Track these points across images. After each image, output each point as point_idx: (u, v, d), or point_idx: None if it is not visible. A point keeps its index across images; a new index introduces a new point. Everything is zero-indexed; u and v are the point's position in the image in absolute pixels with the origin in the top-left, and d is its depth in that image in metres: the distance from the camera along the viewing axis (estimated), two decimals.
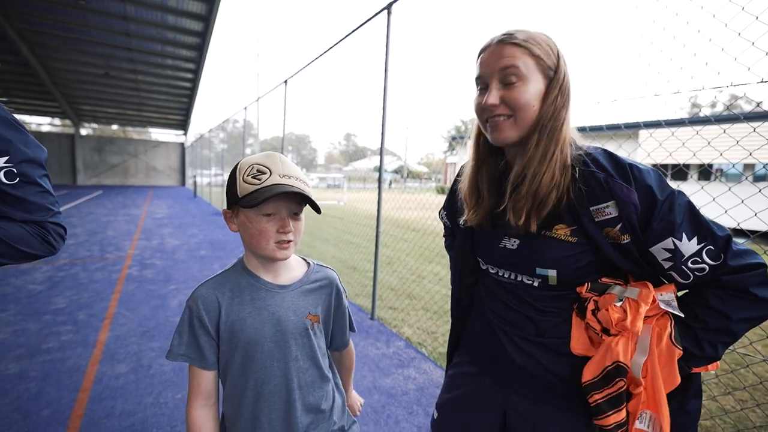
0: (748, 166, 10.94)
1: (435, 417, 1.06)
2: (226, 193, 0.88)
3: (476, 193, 0.91)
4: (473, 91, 0.86)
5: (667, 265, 0.73)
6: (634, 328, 0.72)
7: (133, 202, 14.25)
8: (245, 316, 0.86)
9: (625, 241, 0.74)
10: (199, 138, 19.79)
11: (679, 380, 0.73)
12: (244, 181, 0.81)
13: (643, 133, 10.54)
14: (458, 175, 1.04)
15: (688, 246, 0.70)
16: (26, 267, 4.87)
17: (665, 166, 12.04)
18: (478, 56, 0.82)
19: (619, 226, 0.73)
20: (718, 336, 0.72)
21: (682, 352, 0.73)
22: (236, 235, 7.84)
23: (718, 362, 0.75)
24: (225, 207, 0.90)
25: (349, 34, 3.82)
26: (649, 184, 0.72)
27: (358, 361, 2.79)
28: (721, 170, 12.09)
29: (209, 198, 15.69)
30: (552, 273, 0.79)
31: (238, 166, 0.85)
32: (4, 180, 0.89)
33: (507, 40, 0.77)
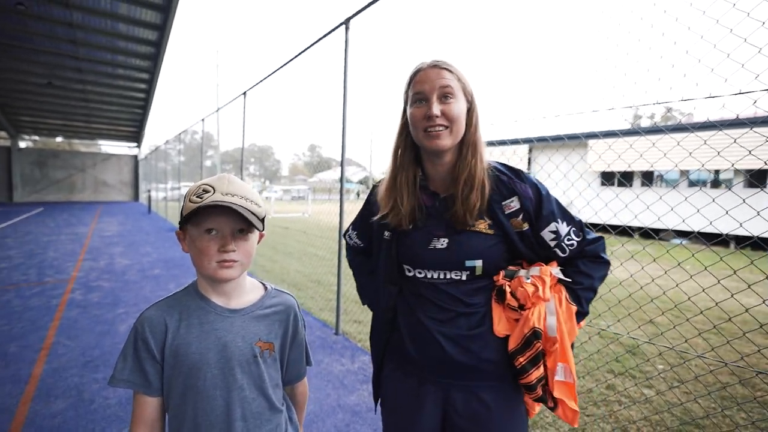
0: (684, 173, 11.89)
1: None
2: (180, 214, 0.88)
3: (394, 196, 1.01)
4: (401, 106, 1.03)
5: (553, 243, 0.96)
6: (545, 296, 0.93)
7: (79, 220, 13.28)
8: (191, 340, 0.83)
9: (526, 228, 0.95)
10: (155, 150, 18.88)
11: (577, 332, 0.97)
12: (189, 200, 0.81)
13: (589, 145, 11.20)
14: (371, 195, 1.15)
15: (563, 228, 0.96)
16: None
17: (612, 173, 12.85)
18: (414, 76, 0.97)
19: (520, 216, 0.95)
20: (587, 293, 0.98)
21: (576, 308, 0.96)
22: None
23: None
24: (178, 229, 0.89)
25: (308, 48, 3.81)
26: (534, 182, 0.97)
27: (321, 379, 2.72)
28: (661, 177, 13.08)
29: (165, 213, 14.91)
30: (479, 263, 0.95)
31: (189, 189, 0.85)
32: None
33: (442, 65, 0.94)
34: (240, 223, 0.83)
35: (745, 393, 2.60)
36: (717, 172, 11.52)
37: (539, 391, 0.94)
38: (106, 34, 10.71)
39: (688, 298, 2.22)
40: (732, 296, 1.86)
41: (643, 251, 2.42)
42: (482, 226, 0.95)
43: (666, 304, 4.10)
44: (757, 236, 1.87)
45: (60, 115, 18.92)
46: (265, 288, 0.96)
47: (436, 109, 0.91)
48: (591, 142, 11.30)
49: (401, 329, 1.04)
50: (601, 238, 1.01)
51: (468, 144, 0.96)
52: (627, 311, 3.07)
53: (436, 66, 0.94)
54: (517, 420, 0.98)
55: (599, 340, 3.53)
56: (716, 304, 1.95)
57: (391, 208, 1.01)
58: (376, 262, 1.11)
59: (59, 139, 25.11)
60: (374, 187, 1.15)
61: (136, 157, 26.47)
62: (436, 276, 0.98)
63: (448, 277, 0.97)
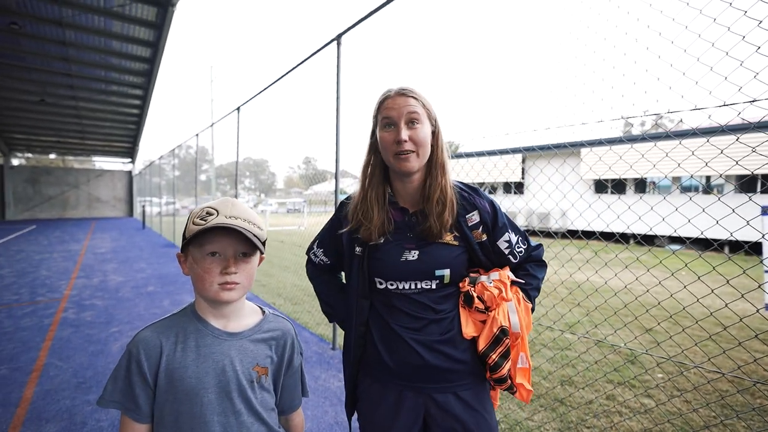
0: (677, 180, 12.03)
1: None
2: (182, 237, 0.88)
3: (364, 210, 1.07)
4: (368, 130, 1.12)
5: (507, 251, 1.10)
6: (508, 296, 1.03)
7: (72, 237, 13.14)
8: (188, 363, 0.81)
9: (484, 239, 1.07)
10: (149, 165, 18.82)
11: (531, 325, 1.10)
12: (193, 223, 0.82)
13: (582, 154, 11.33)
14: (339, 212, 1.19)
15: (514, 238, 1.10)
16: None
17: (605, 180, 12.99)
18: (383, 102, 1.04)
19: (480, 228, 1.07)
20: (535, 292, 1.13)
21: (531, 305, 1.09)
22: None
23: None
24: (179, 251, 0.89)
25: (300, 63, 3.85)
26: (490, 199, 1.11)
27: (319, 396, 2.68)
28: (654, 183, 13.24)
29: (159, 229, 14.81)
30: (447, 272, 1.04)
31: (192, 211, 0.86)
32: None
33: (408, 93, 1.02)
34: (243, 246, 0.84)
35: (744, 401, 2.60)
36: (708, 178, 11.68)
37: (508, 382, 1.04)
38: (99, 51, 10.77)
39: (683, 308, 2.23)
40: (726, 305, 1.87)
41: (637, 261, 2.44)
42: (449, 238, 1.05)
43: (662, 312, 4.11)
44: (748, 245, 1.90)
45: (53, 132, 18.86)
46: (263, 312, 0.96)
47: (404, 134, 0.99)
48: (583, 151, 11.44)
49: (376, 342, 1.08)
50: (541, 245, 1.19)
51: (436, 165, 1.05)
52: (623, 321, 3.07)
53: (402, 94, 1.01)
54: (490, 411, 1.09)
55: (597, 350, 3.52)
56: (711, 314, 1.96)
57: (361, 222, 1.07)
58: (349, 279, 1.14)
59: (52, 156, 24.99)
60: (342, 204, 1.19)
61: (130, 172, 26.36)
62: (407, 287, 1.05)
63: (419, 287, 1.04)
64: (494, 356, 1.01)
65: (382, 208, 1.07)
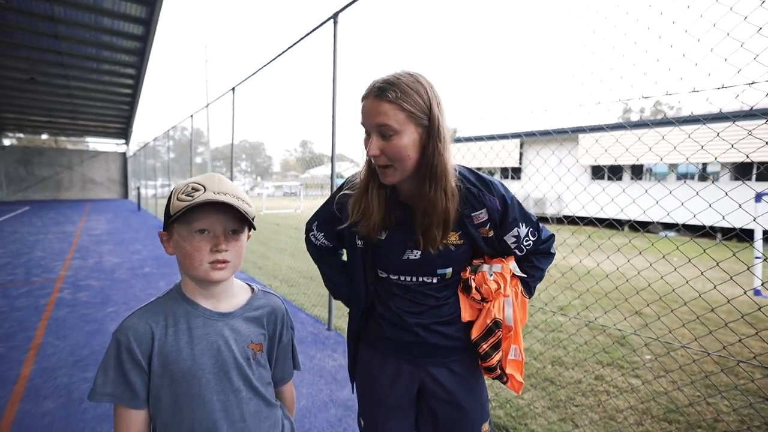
0: (673, 166, 12.04)
1: (362, 425, 1.18)
2: (164, 214, 0.83)
3: (365, 206, 1.01)
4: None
5: (513, 246, 1.05)
6: (506, 293, 1.02)
7: (67, 218, 13.06)
8: (181, 346, 0.79)
9: (490, 235, 1.02)
10: (143, 147, 18.60)
11: (526, 319, 1.11)
12: (177, 199, 0.78)
13: (580, 140, 11.31)
14: (337, 198, 1.12)
15: (523, 230, 1.03)
16: None
17: (601, 168, 12.98)
18: (361, 101, 0.92)
19: (488, 226, 1.01)
20: (537, 282, 1.12)
21: (528, 298, 1.10)
22: None
23: None
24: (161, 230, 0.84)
25: (296, 43, 3.77)
26: (503, 194, 1.00)
27: (314, 374, 2.72)
28: (650, 170, 13.26)
29: (155, 211, 14.73)
30: (449, 270, 1.03)
31: (175, 187, 0.82)
32: None
33: (381, 96, 0.87)
34: (233, 222, 0.81)
35: (728, 381, 2.67)
36: (704, 165, 11.71)
37: (498, 371, 1.06)
38: (89, 28, 10.47)
39: (673, 290, 2.26)
40: (715, 287, 1.91)
41: (629, 244, 2.46)
42: (453, 237, 0.99)
43: (652, 296, 4.18)
44: (739, 228, 1.92)
45: (44, 111, 18.49)
46: (252, 290, 0.95)
47: (374, 149, 0.89)
48: (580, 136, 11.40)
49: (378, 319, 1.11)
50: (553, 236, 1.14)
51: (425, 174, 0.91)
52: (614, 303, 3.12)
53: (377, 98, 0.87)
54: (482, 384, 1.13)
55: (588, 331, 3.59)
56: (699, 295, 2.00)
57: (361, 217, 1.02)
58: (352, 267, 1.14)
59: (44, 136, 24.59)
60: (340, 192, 1.12)
61: (124, 154, 26.04)
62: (408, 279, 1.04)
63: (420, 280, 1.04)
64: (485, 346, 1.03)
65: (383, 204, 1.01)
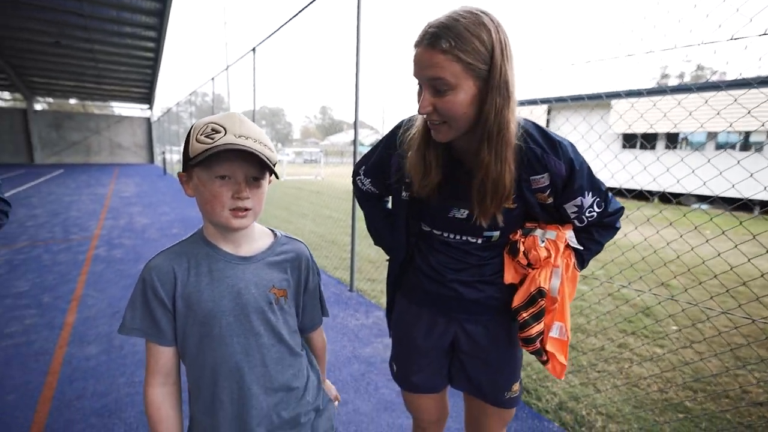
0: (712, 135, 11.35)
1: (394, 370, 1.20)
2: (182, 154, 0.80)
3: (425, 168, 0.92)
4: None
5: (573, 215, 0.95)
6: (556, 263, 0.95)
7: (98, 181, 13.56)
8: (202, 288, 0.80)
9: (549, 202, 0.93)
10: (167, 112, 18.79)
11: (575, 294, 1.02)
12: (196, 140, 0.74)
13: (617, 106, 10.71)
14: (391, 138, 1.04)
15: (588, 200, 0.92)
16: None
17: (633, 136, 12.37)
18: (414, 49, 0.80)
19: (547, 192, 0.91)
20: (591, 255, 1.03)
21: (579, 272, 1.01)
22: None
23: None
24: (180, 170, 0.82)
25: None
26: (571, 158, 0.88)
27: (337, 332, 2.81)
28: (686, 139, 12.53)
29: None
30: (496, 233, 0.96)
31: (193, 126, 0.77)
32: None
33: (435, 44, 0.74)
34: (255, 170, 0.77)
35: (758, 354, 2.61)
36: (747, 134, 10.96)
37: (537, 344, 0.99)
38: None
39: (703, 262, 2.17)
40: (749, 260, 1.81)
41: (659, 215, 2.36)
42: (506, 201, 0.90)
43: (681, 268, 4.05)
44: None
45: (71, 75, 18.80)
46: (275, 235, 0.93)
47: (425, 106, 0.79)
48: (613, 102, 10.79)
49: (417, 272, 1.09)
50: (622, 208, 1.00)
51: (483, 136, 0.80)
52: (639, 274, 3.04)
53: (429, 46, 0.75)
54: (517, 346, 1.07)
55: (613, 300, 3.54)
56: (731, 268, 1.91)
57: (418, 181, 0.93)
58: (396, 216, 1.11)
59: (72, 101, 25.13)
60: (394, 136, 1.03)
61: (149, 119, 26.46)
62: (452, 237, 0.99)
63: (464, 239, 0.98)
64: (525, 315, 0.96)
65: (439, 166, 0.92)
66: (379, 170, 1.10)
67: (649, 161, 2.43)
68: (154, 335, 0.79)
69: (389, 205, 1.22)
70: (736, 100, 1.93)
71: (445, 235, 1.00)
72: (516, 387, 1.09)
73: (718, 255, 2.01)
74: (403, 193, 1.02)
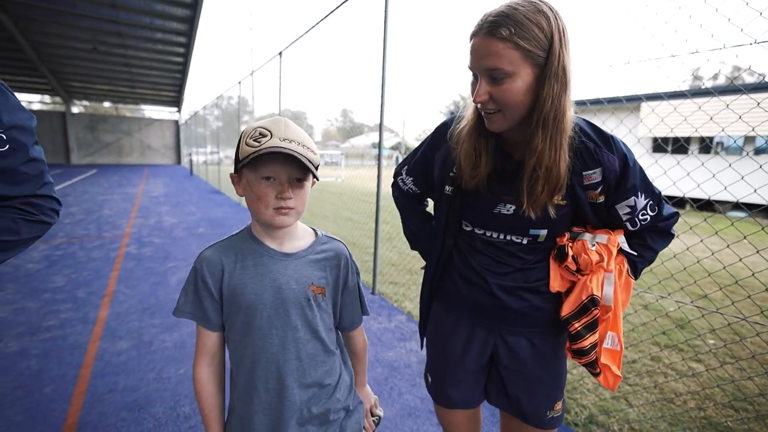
0: (750, 140, 10.81)
1: (429, 381, 1.15)
2: (234, 156, 0.87)
3: (476, 158, 0.90)
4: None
5: (625, 217, 0.90)
6: (609, 267, 0.89)
7: (129, 181, 14.10)
8: (246, 280, 0.85)
9: (600, 200, 0.88)
10: (194, 115, 19.40)
11: (628, 303, 0.95)
12: (246, 144, 0.80)
13: (645, 108, 10.34)
14: (437, 136, 1.03)
15: (641, 202, 0.88)
16: None
17: (665, 140, 11.91)
18: (470, 40, 0.80)
19: (599, 189, 0.87)
20: (645, 264, 0.96)
21: (634, 280, 0.95)
22: (236, 213, 7.81)
23: None
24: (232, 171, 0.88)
25: (344, 2, 3.64)
26: (624, 154, 0.85)
27: None
28: (722, 144, 11.97)
29: (206, 176, 15.52)
30: (543, 232, 0.91)
31: (244, 130, 0.83)
32: None
33: (494, 33, 0.74)
34: (297, 171, 0.82)
35: None
36: None
37: (592, 356, 0.93)
38: None
39: (753, 274, 2.04)
40: None
41: (701, 224, 2.24)
42: (555, 197, 0.87)
43: (724, 280, 3.85)
44: None
45: (106, 80, 19.71)
46: (316, 234, 0.97)
47: (482, 94, 0.79)
48: (644, 106, 10.41)
49: (454, 276, 1.04)
50: (677, 213, 0.95)
51: (539, 122, 0.79)
52: (679, 284, 2.90)
53: (488, 35, 0.75)
54: (561, 358, 1.02)
55: (645, 312, 3.39)
56: None
57: (468, 171, 0.91)
58: (436, 214, 1.08)
59: (107, 104, 26.30)
60: (441, 132, 1.02)
61: (177, 122, 27.37)
62: (495, 236, 0.95)
63: (508, 238, 0.94)
64: (578, 325, 0.91)
65: (491, 157, 0.90)
66: (423, 168, 1.09)
67: (680, 168, 2.32)
68: (202, 320, 0.87)
69: (428, 210, 1.21)
70: None
71: (488, 234, 0.96)
72: (559, 406, 1.03)
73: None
74: (447, 188, 0.99)
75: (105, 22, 12.53)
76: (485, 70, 0.77)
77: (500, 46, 0.74)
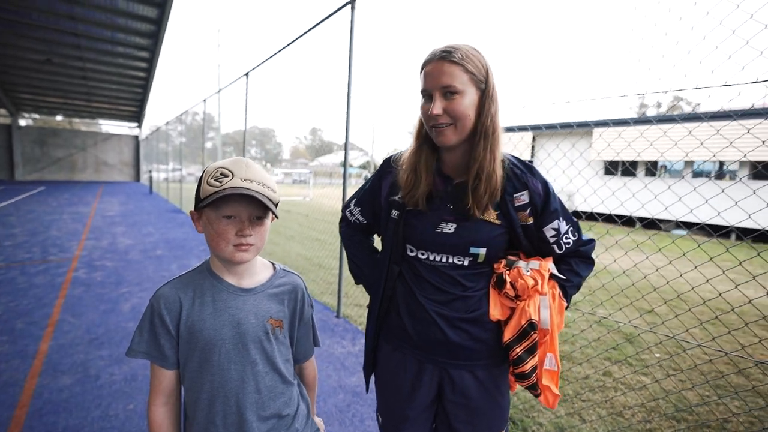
0: (689, 164, 11.79)
1: (381, 422, 1.16)
2: (195, 194, 0.89)
3: (414, 175, 1.02)
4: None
5: (552, 240, 1.01)
6: (543, 290, 0.97)
7: (81, 199, 13.28)
8: (205, 317, 0.86)
9: (530, 222, 0.99)
10: (156, 131, 18.72)
11: (563, 325, 1.02)
12: (207, 183, 0.82)
13: (595, 133, 11.07)
14: (383, 170, 1.15)
15: (564, 226, 1.00)
16: None
17: (614, 164, 12.76)
18: (422, 69, 0.95)
19: (528, 210, 0.99)
20: (574, 289, 1.05)
21: (566, 304, 1.02)
22: (196, 234, 7.52)
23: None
24: (192, 209, 0.90)
25: (312, 28, 3.73)
26: (544, 180, 1.00)
27: (323, 360, 2.76)
28: (665, 167, 12.98)
29: (166, 194, 14.90)
30: (482, 251, 0.99)
31: (205, 170, 0.86)
32: None
33: (447, 58, 0.91)
34: (258, 210, 0.85)
35: (741, 382, 2.64)
36: (722, 163, 11.43)
37: (533, 378, 0.99)
38: (105, 10, 10.49)
39: (692, 288, 2.22)
40: (736, 287, 1.87)
41: (647, 242, 2.42)
42: (492, 215, 0.98)
43: (664, 295, 4.12)
44: (764, 228, 1.87)
45: (60, 93, 18.70)
46: (274, 268, 0.99)
47: (438, 107, 0.92)
48: (597, 131, 11.17)
49: (400, 311, 1.06)
50: (593, 240, 1.08)
51: (480, 134, 0.95)
52: (629, 300, 3.09)
53: (442, 59, 0.91)
54: (504, 393, 1.07)
55: (598, 328, 3.56)
56: (719, 294, 1.97)
57: (410, 188, 1.02)
58: (383, 242, 1.12)
59: (59, 117, 24.90)
60: (387, 161, 1.14)
61: (137, 137, 26.29)
62: (438, 259, 1.01)
63: (450, 261, 1.00)
64: (519, 350, 0.96)
65: (430, 175, 1.01)
66: (371, 197, 1.17)
67: (630, 189, 2.51)
68: (158, 359, 0.86)
69: (374, 245, 1.26)
70: (718, 132, 2.03)
71: (432, 258, 1.01)
72: None
73: (707, 281, 2.06)
74: (393, 212, 1.07)
75: (63, 34, 11.98)
76: (441, 87, 0.91)
77: (453, 67, 0.90)
